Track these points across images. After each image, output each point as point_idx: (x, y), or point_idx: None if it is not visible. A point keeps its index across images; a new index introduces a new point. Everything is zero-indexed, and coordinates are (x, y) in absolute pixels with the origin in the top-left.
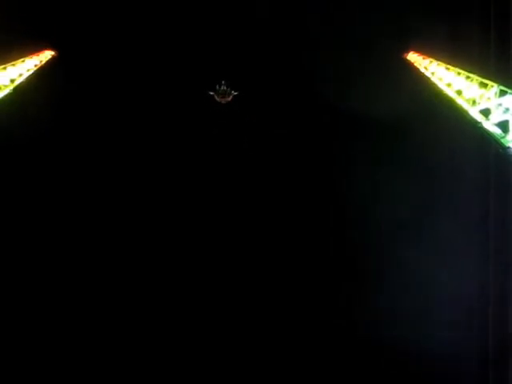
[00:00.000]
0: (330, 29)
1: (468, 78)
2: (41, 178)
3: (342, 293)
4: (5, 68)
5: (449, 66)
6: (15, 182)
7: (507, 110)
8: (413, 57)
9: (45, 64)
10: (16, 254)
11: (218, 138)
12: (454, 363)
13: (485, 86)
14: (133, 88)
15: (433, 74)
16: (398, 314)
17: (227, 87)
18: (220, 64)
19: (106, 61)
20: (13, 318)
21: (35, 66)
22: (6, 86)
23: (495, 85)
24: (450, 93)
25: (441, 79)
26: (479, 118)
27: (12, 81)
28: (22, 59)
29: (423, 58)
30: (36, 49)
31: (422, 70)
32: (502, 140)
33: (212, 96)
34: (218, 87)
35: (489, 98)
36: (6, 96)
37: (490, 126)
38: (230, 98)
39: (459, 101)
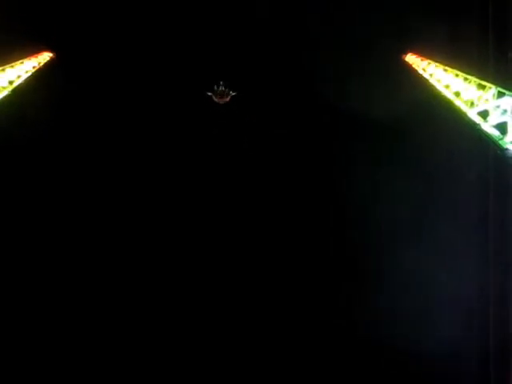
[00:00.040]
0: (329, 29)
1: (466, 79)
2: (40, 179)
3: (342, 293)
4: (3, 70)
5: (447, 68)
6: (14, 183)
7: (505, 111)
8: (411, 58)
9: (43, 66)
10: (16, 255)
11: (217, 138)
12: (453, 363)
13: (483, 87)
14: (131, 89)
15: (431, 75)
16: (398, 313)
17: (225, 88)
18: (219, 64)
19: (104, 62)
20: (13, 318)
21: (34, 67)
22: (4, 88)
23: (493, 86)
24: (449, 94)
25: (439, 81)
26: (477, 119)
27: (10, 82)
28: (21, 61)
29: (421, 60)
30: (34, 50)
31: (421, 71)
32: (501, 141)
33: (210, 96)
34: (216, 88)
35: (487, 100)
36: (5, 97)
37: (488, 127)
38: (228, 99)
39: (457, 102)
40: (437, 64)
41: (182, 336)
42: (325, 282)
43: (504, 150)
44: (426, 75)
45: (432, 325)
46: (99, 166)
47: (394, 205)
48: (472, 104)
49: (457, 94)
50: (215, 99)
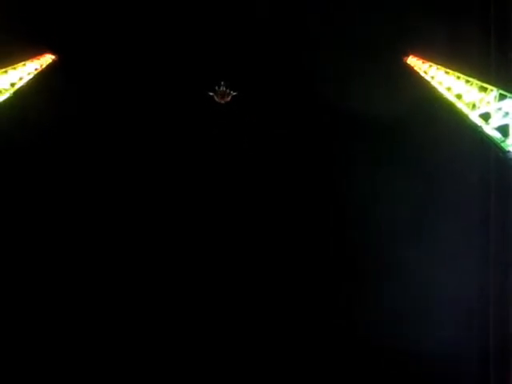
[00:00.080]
0: (330, 29)
1: (468, 82)
2: (42, 181)
3: (342, 293)
4: (6, 71)
5: (448, 70)
6: (16, 185)
7: (507, 114)
8: (412, 61)
9: (45, 68)
10: (17, 257)
11: (218, 137)
12: (454, 363)
13: (484, 89)
14: (133, 90)
15: (432, 77)
16: (398, 313)
17: (226, 88)
18: (219, 65)
19: (106, 64)
20: (13, 318)
21: (36, 69)
22: (6, 90)
23: (495, 89)
24: (450, 97)
25: (440, 83)
26: (479, 122)
27: (12, 84)
28: (23, 63)
29: (423, 62)
30: (37, 53)
31: (422, 73)
32: (502, 144)
33: (212, 97)
34: (217, 88)
35: (488, 102)
36: (7, 99)
37: (489, 130)
38: (229, 99)
39: (459, 105)
40: (438, 66)
41: (183, 335)
42: (325, 281)
43: (505, 153)
44: (427, 77)
45: (432, 325)
46: (101, 167)
47: (394, 205)
48: (473, 106)
49: (458, 97)
50: (216, 99)
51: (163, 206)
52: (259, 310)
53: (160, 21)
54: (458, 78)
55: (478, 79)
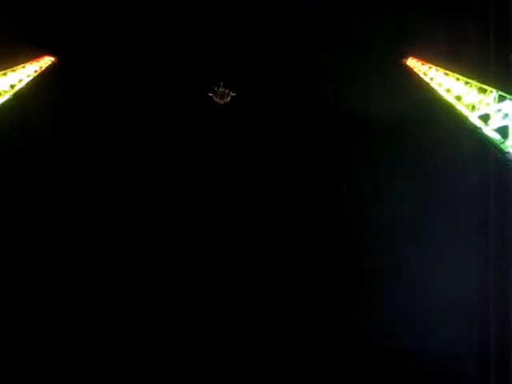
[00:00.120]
0: (330, 29)
1: (467, 83)
2: (41, 183)
3: (342, 293)
4: (5, 73)
5: (448, 72)
6: (15, 188)
7: (506, 115)
8: (412, 62)
9: (45, 70)
10: (17, 260)
11: (218, 138)
12: (454, 363)
13: (484, 91)
14: (133, 91)
15: (432, 79)
16: (398, 313)
17: (225, 88)
18: (219, 65)
19: (105, 66)
20: (13, 319)
21: (35, 71)
22: (5, 92)
23: (494, 90)
24: (450, 98)
25: (440, 85)
26: (479, 123)
27: (12, 86)
28: (23, 65)
29: (422, 64)
30: (36, 55)
31: (422, 75)
32: (502, 145)
33: (211, 97)
34: (216, 88)
35: (488, 104)
36: (6, 102)
37: (489, 131)
38: (228, 99)
39: (459, 106)
40: (438, 68)
41: (183, 335)
42: (325, 281)
43: (505, 154)
44: (426, 79)
45: (432, 325)
46: (102, 169)
47: (394, 205)
48: (473, 108)
49: (458, 98)
50: (216, 100)
51: (163, 206)
52: (259, 310)
53: (159, 22)
54: (458, 79)
55: (478, 81)
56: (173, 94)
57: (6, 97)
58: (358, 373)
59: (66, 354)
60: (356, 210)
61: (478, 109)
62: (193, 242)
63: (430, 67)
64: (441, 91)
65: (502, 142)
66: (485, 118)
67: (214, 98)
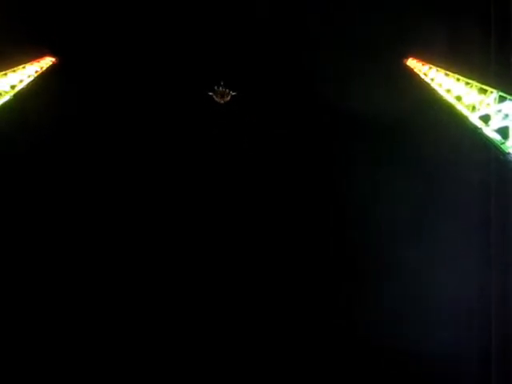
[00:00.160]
0: (330, 29)
1: (467, 83)
2: (42, 184)
3: (342, 293)
4: (6, 74)
5: (448, 72)
6: (16, 189)
7: (507, 115)
8: (412, 63)
9: (45, 70)
10: (18, 261)
11: (218, 137)
12: (454, 363)
13: (484, 91)
14: (134, 91)
15: (432, 79)
16: (398, 313)
17: (226, 88)
18: (219, 64)
19: (106, 66)
20: (13, 319)
21: (36, 72)
22: (6, 92)
23: (495, 91)
24: (450, 99)
25: (440, 85)
26: (479, 123)
27: (12, 87)
28: (23, 65)
29: (423, 64)
30: (37, 55)
31: (422, 75)
32: (502, 146)
33: (211, 96)
34: (216, 88)
35: (488, 104)
36: (7, 102)
37: (489, 131)
38: (228, 98)
39: (459, 107)
40: (438, 68)
41: (183, 335)
42: (325, 281)
43: (505, 155)
44: (427, 79)
45: (433, 325)
46: (102, 169)
47: (394, 205)
48: (473, 108)
49: (458, 99)
50: (216, 99)
51: (163, 206)
52: (259, 310)
53: (160, 21)
54: (458, 79)
55: (478, 81)
56: (173, 93)
57: (6, 97)
58: (358, 373)
59: (66, 353)
60: (356, 210)
61: (479, 109)
62: (193, 242)
63: (431, 68)
64: (441, 92)
65: (503, 143)
66: (485, 118)
67: (215, 97)
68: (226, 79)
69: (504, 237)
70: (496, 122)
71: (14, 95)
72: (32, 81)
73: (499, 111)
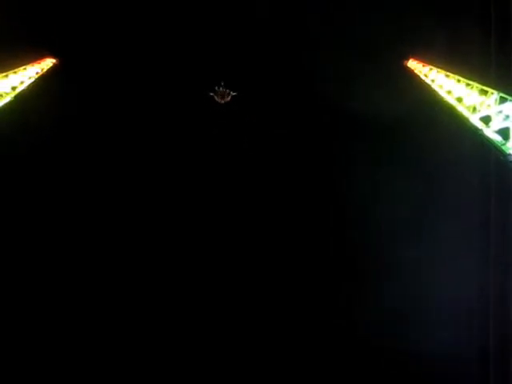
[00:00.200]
0: (330, 29)
1: (468, 85)
2: (42, 185)
3: (342, 293)
4: (7, 75)
5: (449, 74)
6: (16, 190)
7: (507, 117)
8: (413, 64)
9: (46, 72)
10: (18, 263)
11: (218, 138)
12: (454, 363)
13: (485, 93)
14: (134, 92)
15: (433, 81)
16: (398, 313)
17: (226, 88)
18: (219, 65)
19: (106, 67)
20: (13, 319)
21: (37, 73)
22: (7, 94)
23: (495, 92)
24: (451, 100)
25: (441, 86)
26: (480, 125)
27: (13, 88)
28: (24, 67)
29: (423, 66)
30: (37, 56)
31: (423, 77)
32: (503, 147)
33: (212, 97)
34: (217, 88)
35: (489, 105)
36: (8, 104)
37: (490, 133)
38: (229, 99)
39: (459, 108)
40: (438, 70)
41: (183, 336)
42: (325, 281)
43: (506, 156)
44: (427, 80)
45: (432, 325)
46: (103, 170)
47: (394, 205)
48: (474, 109)
49: (459, 100)
50: (216, 99)
51: (163, 206)
52: (259, 310)
53: (160, 21)
54: (459, 81)
55: (479, 82)
56: (173, 93)
57: (7, 98)
58: (358, 373)
59: (66, 353)
60: (356, 209)
61: (479, 111)
62: (193, 242)
63: (431, 69)
64: (442, 93)
65: (503, 144)
66: (486, 119)
67: (215, 97)
68: (226, 80)
69: (504, 237)
70: (497, 123)
71: (15, 96)
72: (33, 82)
73: (500, 112)
